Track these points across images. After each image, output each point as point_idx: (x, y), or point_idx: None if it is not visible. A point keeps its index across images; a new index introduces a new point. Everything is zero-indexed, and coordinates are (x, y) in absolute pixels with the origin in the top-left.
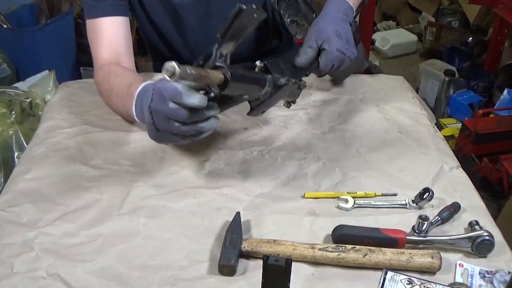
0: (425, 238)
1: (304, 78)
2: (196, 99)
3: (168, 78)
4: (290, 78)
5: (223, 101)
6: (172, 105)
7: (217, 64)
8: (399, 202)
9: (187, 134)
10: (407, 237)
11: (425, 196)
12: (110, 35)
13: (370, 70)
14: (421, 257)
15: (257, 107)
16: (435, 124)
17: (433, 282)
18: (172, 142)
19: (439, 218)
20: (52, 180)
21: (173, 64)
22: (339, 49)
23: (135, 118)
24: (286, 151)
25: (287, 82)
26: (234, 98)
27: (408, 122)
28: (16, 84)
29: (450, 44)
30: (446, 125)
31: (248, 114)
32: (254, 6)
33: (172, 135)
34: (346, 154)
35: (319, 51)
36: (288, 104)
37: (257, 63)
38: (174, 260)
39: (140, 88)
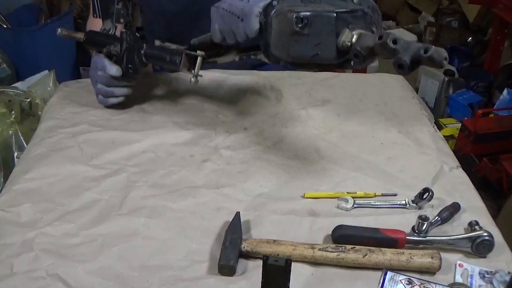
0: (425, 238)
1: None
2: (113, 69)
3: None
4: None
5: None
6: (100, 72)
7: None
8: (399, 202)
9: (104, 94)
10: (407, 237)
11: (425, 196)
12: None
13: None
14: (421, 257)
15: (119, 61)
16: (441, 122)
17: (433, 282)
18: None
19: (439, 218)
20: (52, 180)
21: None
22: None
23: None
24: (286, 151)
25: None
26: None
27: (408, 122)
28: (16, 84)
29: (450, 44)
30: (446, 125)
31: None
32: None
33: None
34: (346, 154)
35: None
36: (194, 78)
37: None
38: (174, 260)
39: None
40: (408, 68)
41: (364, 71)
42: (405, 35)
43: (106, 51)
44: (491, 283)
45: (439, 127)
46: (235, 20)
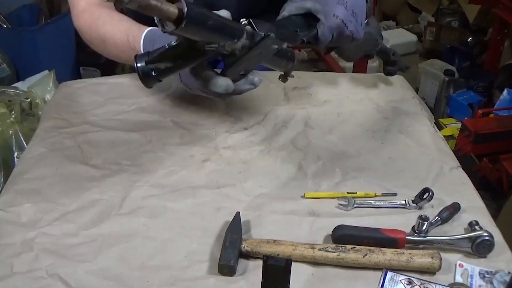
0: (425, 238)
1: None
2: (222, 85)
3: None
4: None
5: (190, 50)
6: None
7: None
8: (399, 202)
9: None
10: (407, 237)
11: (425, 196)
12: None
13: (390, 58)
14: (421, 257)
15: (233, 66)
16: (441, 122)
17: (433, 283)
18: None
19: (439, 218)
20: (52, 180)
21: None
22: (339, 17)
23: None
24: (286, 151)
25: (268, 36)
26: (201, 48)
27: (408, 122)
28: (16, 84)
29: (450, 44)
30: (446, 125)
31: (222, 73)
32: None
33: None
34: (346, 154)
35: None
36: (284, 78)
37: (242, 20)
38: (174, 260)
39: (142, 40)
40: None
41: (364, 71)
42: (405, 35)
43: (215, 49)
44: (491, 283)
45: (439, 127)
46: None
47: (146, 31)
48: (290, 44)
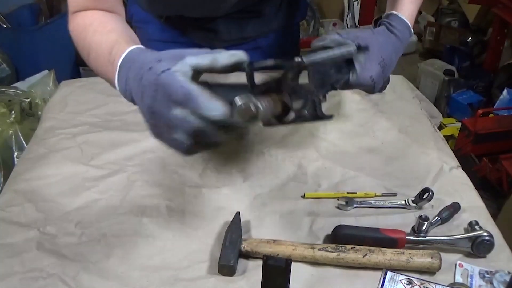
0: (425, 238)
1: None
2: (218, 110)
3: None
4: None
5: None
6: (178, 111)
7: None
8: (399, 202)
9: (191, 149)
10: (406, 237)
11: (425, 196)
12: None
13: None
14: (420, 257)
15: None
16: (441, 121)
17: (432, 282)
18: (174, 149)
19: (439, 218)
20: (52, 180)
21: (249, 99)
22: (374, 78)
23: (117, 87)
24: (286, 150)
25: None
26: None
27: (408, 122)
28: (16, 84)
29: (450, 44)
30: (446, 125)
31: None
32: None
33: (174, 143)
34: (346, 154)
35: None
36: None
37: (296, 59)
38: (174, 260)
39: (122, 58)
40: None
41: None
42: None
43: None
44: (491, 283)
45: (439, 127)
46: None
47: (131, 48)
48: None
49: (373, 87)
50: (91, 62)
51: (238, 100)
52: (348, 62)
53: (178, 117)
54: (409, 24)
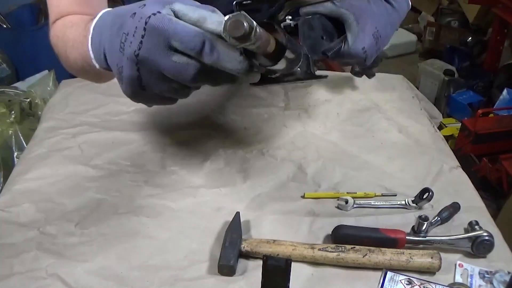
0: (424, 238)
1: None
2: (234, 61)
3: (232, 41)
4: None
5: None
6: (177, 57)
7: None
8: (399, 202)
9: (185, 96)
10: (406, 237)
11: (424, 196)
12: None
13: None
14: (420, 257)
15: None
16: (441, 121)
17: (432, 283)
18: (154, 104)
19: (439, 218)
20: (52, 180)
21: (243, 16)
22: (366, 50)
23: (94, 62)
24: (285, 150)
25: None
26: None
27: (408, 122)
28: (16, 84)
29: (450, 44)
30: (446, 125)
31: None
32: None
33: (160, 98)
34: (346, 154)
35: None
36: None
37: (288, 20)
38: (174, 260)
39: (96, 19)
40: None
41: None
42: (405, 35)
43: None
44: (491, 283)
45: (439, 127)
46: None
47: (106, 10)
48: (311, 54)
49: (364, 60)
50: (70, 56)
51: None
52: (340, 31)
53: (179, 64)
54: None
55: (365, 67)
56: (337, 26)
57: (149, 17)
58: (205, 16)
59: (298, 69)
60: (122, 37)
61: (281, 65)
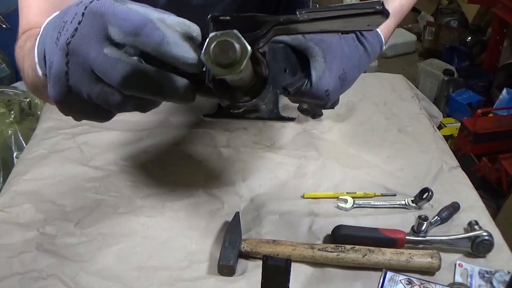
0: (424, 238)
1: None
2: (187, 51)
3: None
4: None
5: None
6: (110, 50)
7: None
8: (398, 202)
9: (117, 107)
10: (406, 237)
11: (424, 196)
12: None
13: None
14: (420, 257)
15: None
16: (440, 121)
17: (432, 282)
18: (84, 118)
19: (439, 218)
20: (51, 181)
21: (235, 36)
22: (329, 93)
23: (37, 67)
24: (285, 150)
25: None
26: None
27: (408, 121)
28: (15, 84)
29: (449, 44)
30: (445, 125)
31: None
32: None
33: (90, 108)
34: (345, 154)
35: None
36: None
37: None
38: (173, 260)
39: (50, 18)
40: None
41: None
42: (404, 35)
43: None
44: (491, 283)
45: (439, 126)
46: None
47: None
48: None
49: (325, 103)
50: (24, 70)
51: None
52: (304, 67)
53: (108, 59)
54: (383, 39)
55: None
56: (301, 59)
57: (92, 1)
58: (164, 16)
59: (264, 106)
60: (61, 26)
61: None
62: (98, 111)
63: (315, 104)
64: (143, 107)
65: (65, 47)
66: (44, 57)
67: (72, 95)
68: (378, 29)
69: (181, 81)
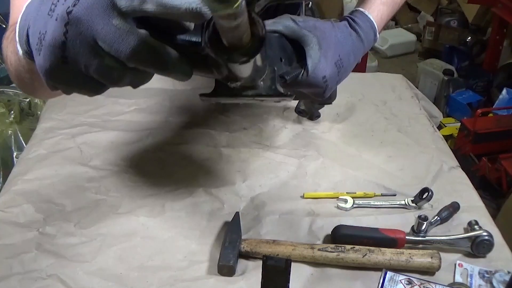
0: (424, 238)
1: None
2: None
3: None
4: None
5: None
6: (119, 21)
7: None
8: (398, 202)
9: (115, 80)
10: (406, 237)
11: (424, 196)
12: None
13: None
14: (420, 257)
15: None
16: (440, 121)
17: (432, 282)
18: (74, 90)
19: (439, 218)
20: (51, 181)
21: None
22: (327, 79)
23: (18, 47)
24: (285, 150)
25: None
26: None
27: (407, 121)
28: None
29: (449, 44)
30: (445, 125)
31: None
32: None
33: (83, 80)
34: (345, 154)
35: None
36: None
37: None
38: (173, 260)
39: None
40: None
41: (363, 70)
42: (404, 35)
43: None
44: (491, 282)
45: (439, 126)
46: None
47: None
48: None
49: (324, 90)
50: (7, 57)
51: None
52: (300, 57)
53: (118, 30)
54: (376, 26)
55: (320, 102)
56: (296, 48)
57: None
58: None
59: (261, 82)
60: (52, 3)
61: (246, 71)
62: (92, 83)
63: (313, 94)
64: (139, 82)
65: (65, 16)
66: (28, 33)
67: (66, 67)
68: (370, 16)
69: (177, 54)
